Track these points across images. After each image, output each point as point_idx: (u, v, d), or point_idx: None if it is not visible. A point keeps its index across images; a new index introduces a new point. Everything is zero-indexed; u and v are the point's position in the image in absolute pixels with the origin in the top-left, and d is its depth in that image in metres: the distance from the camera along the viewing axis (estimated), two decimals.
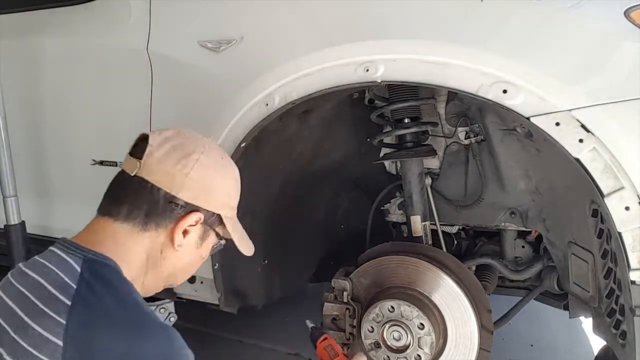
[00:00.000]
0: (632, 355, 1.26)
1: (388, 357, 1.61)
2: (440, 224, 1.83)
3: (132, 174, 1.03)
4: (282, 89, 1.48)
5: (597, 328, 1.53)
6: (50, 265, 0.97)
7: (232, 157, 1.61)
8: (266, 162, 1.78)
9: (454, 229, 1.94)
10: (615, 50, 1.18)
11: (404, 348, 1.59)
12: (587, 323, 2.59)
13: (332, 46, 1.41)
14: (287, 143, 1.79)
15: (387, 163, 1.95)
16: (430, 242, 1.74)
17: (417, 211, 1.72)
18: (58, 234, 2.08)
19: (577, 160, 1.20)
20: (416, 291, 1.61)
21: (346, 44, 1.39)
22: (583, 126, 1.18)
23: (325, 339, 1.55)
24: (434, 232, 1.80)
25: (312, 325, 1.57)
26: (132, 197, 1.03)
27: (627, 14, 1.17)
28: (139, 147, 1.06)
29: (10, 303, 0.93)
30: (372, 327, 1.62)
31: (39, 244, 2.12)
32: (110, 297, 0.93)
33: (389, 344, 1.60)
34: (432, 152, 1.72)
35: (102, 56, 1.85)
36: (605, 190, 1.19)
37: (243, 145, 1.60)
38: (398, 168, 1.90)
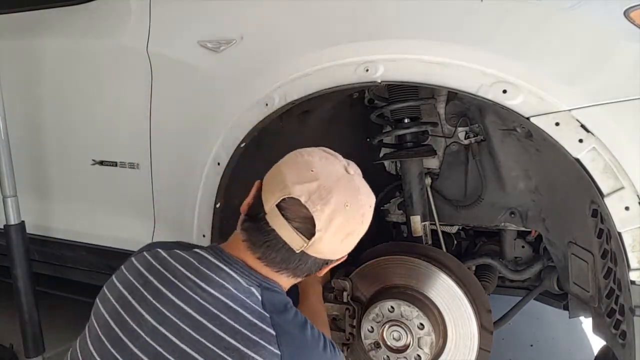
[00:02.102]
0: (632, 355, 1.26)
1: (388, 357, 1.61)
2: (440, 224, 1.83)
3: (298, 251, 1.04)
4: (281, 89, 1.48)
5: (597, 328, 1.53)
6: (229, 286, 1.04)
7: (232, 157, 1.62)
8: (266, 162, 1.77)
9: (454, 229, 1.94)
10: (615, 50, 1.18)
11: (404, 348, 1.59)
12: (587, 323, 2.58)
13: (332, 46, 1.41)
14: (287, 143, 1.79)
15: (387, 163, 1.95)
16: (430, 242, 1.74)
17: (417, 211, 1.72)
18: (58, 234, 2.10)
19: (577, 160, 1.21)
20: (416, 291, 1.61)
21: (346, 44, 1.39)
22: (583, 126, 1.18)
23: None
24: (434, 232, 1.80)
25: None
26: (298, 264, 1.07)
27: (627, 14, 1.17)
28: (296, 214, 1.03)
29: (205, 322, 1.00)
30: (372, 327, 1.62)
31: (39, 244, 2.13)
32: (295, 326, 1.06)
33: (388, 344, 1.60)
34: (432, 152, 1.72)
35: (102, 56, 1.85)
36: (605, 190, 1.19)
37: (243, 145, 1.60)
38: (398, 168, 1.90)
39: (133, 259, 1.14)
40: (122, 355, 1.00)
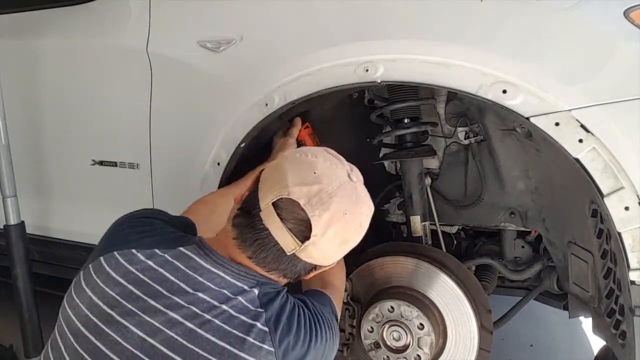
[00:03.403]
0: (631, 355, 1.26)
1: (388, 357, 1.61)
2: (440, 224, 1.83)
3: (289, 253, 1.01)
4: (281, 89, 1.48)
5: (597, 328, 1.53)
6: (220, 289, 1.01)
7: (231, 157, 1.62)
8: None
9: (454, 229, 1.94)
10: (615, 50, 1.18)
11: (404, 348, 1.59)
12: (586, 323, 2.58)
13: (332, 46, 1.41)
14: None
15: (386, 163, 1.95)
16: (430, 242, 1.74)
17: (417, 211, 1.72)
18: (58, 234, 2.10)
19: (577, 160, 1.21)
20: (416, 291, 1.61)
21: (346, 44, 1.39)
22: (583, 126, 1.19)
23: (308, 126, 1.68)
24: (434, 232, 1.80)
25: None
26: (287, 266, 1.05)
27: (626, 14, 1.17)
28: (292, 216, 1.00)
29: (197, 329, 0.97)
30: (371, 327, 1.62)
31: (39, 244, 2.13)
32: (284, 315, 1.04)
33: (388, 344, 1.60)
34: (432, 152, 1.72)
35: (102, 56, 1.85)
36: (605, 191, 1.19)
37: (243, 145, 1.60)
38: (398, 168, 1.90)
39: (102, 260, 1.05)
40: None
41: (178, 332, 0.96)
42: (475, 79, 1.26)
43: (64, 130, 2.02)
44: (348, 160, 1.12)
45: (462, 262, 1.67)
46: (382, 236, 1.99)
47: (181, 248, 1.06)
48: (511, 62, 1.24)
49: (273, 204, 1.00)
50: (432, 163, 1.83)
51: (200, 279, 1.02)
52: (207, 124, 1.64)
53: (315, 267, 1.09)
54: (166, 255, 1.04)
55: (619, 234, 1.20)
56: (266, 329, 0.99)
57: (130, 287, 1.00)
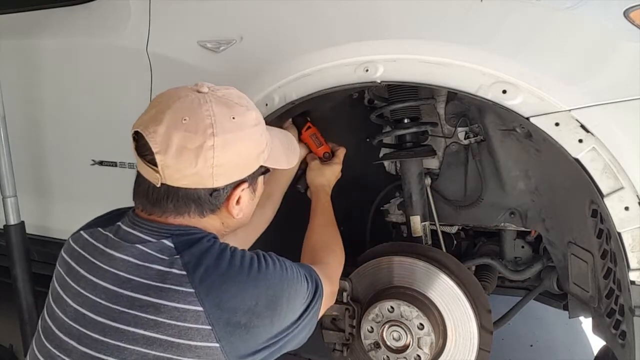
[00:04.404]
0: (631, 355, 1.26)
1: (388, 357, 1.61)
2: (440, 224, 1.83)
3: (159, 185, 1.01)
4: (281, 89, 1.48)
5: (597, 328, 1.53)
6: (138, 246, 1.02)
7: None
8: None
9: (454, 229, 1.94)
10: (615, 50, 1.18)
11: (404, 348, 1.59)
12: (586, 323, 2.59)
13: (332, 46, 1.41)
14: None
15: (386, 163, 1.95)
16: (429, 242, 1.74)
17: (417, 211, 1.72)
18: (57, 234, 2.10)
19: (577, 160, 1.20)
20: (416, 291, 1.61)
21: (345, 44, 1.39)
22: (582, 126, 1.18)
23: (310, 127, 1.64)
24: (434, 233, 1.80)
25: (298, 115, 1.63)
26: (173, 204, 1.04)
27: (626, 14, 1.17)
28: (145, 148, 1.00)
29: (119, 289, 0.99)
30: (371, 327, 1.62)
31: (39, 244, 2.13)
32: (210, 257, 1.00)
33: (388, 344, 1.60)
34: (432, 153, 1.72)
35: (102, 56, 1.85)
36: (604, 191, 1.19)
37: None
38: (397, 168, 1.90)
39: (62, 249, 1.14)
40: (52, 346, 1.02)
41: (102, 296, 1.00)
42: (475, 79, 1.26)
43: (64, 130, 2.02)
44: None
45: (462, 262, 1.67)
46: (382, 236, 2.00)
47: (118, 222, 1.10)
48: (511, 62, 1.24)
49: (134, 148, 1.03)
50: (432, 163, 1.83)
51: (122, 241, 1.04)
52: None
53: (215, 190, 1.04)
54: (100, 229, 1.09)
55: (619, 234, 1.19)
56: (184, 272, 0.97)
57: (72, 263, 1.08)
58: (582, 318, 2.04)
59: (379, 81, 1.36)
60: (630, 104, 1.15)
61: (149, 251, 1.01)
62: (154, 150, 0.98)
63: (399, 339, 1.59)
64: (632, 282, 1.20)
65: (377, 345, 1.62)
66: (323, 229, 1.51)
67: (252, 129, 1.08)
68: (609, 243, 1.33)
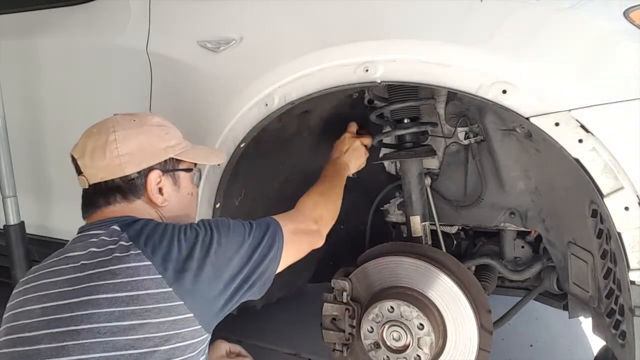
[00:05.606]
0: (631, 355, 1.26)
1: (387, 357, 1.61)
2: (440, 224, 1.83)
3: (87, 186, 1.22)
4: (281, 89, 1.48)
5: (597, 328, 1.53)
6: (97, 239, 1.14)
7: (231, 157, 1.62)
8: (265, 162, 1.78)
9: (454, 229, 1.94)
10: (615, 50, 1.18)
11: (404, 348, 1.59)
12: (586, 323, 2.58)
13: (332, 46, 1.40)
14: (286, 143, 1.79)
15: (386, 163, 1.95)
16: (429, 242, 1.74)
17: (417, 211, 1.72)
18: (57, 234, 2.10)
19: (577, 160, 1.20)
20: (416, 291, 1.61)
21: (345, 44, 1.39)
22: (582, 126, 1.18)
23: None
24: (434, 233, 1.80)
25: None
26: (102, 197, 1.22)
27: (626, 14, 1.16)
28: (75, 163, 1.24)
29: (81, 274, 1.10)
30: (371, 327, 1.62)
31: (38, 244, 2.13)
32: (149, 227, 1.15)
33: (388, 344, 1.60)
34: (432, 153, 1.72)
35: (102, 56, 1.85)
36: (604, 191, 1.19)
37: (243, 145, 1.60)
38: (397, 168, 1.90)
39: (12, 294, 1.21)
40: (23, 347, 1.05)
41: (64, 285, 1.09)
42: (475, 79, 1.26)
43: (64, 130, 2.01)
44: None
45: (462, 262, 1.67)
46: (382, 236, 2.00)
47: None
48: (511, 62, 1.24)
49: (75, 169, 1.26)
50: (432, 163, 1.83)
51: (75, 244, 1.18)
52: (206, 124, 1.64)
53: (129, 177, 1.21)
54: (45, 260, 1.23)
55: (619, 234, 1.19)
56: (130, 242, 1.10)
57: (27, 285, 1.16)
58: (582, 318, 2.04)
59: (379, 81, 1.36)
60: (631, 104, 1.15)
61: (102, 238, 1.14)
62: (76, 157, 1.23)
63: (399, 339, 1.59)
64: (632, 282, 1.20)
65: (377, 345, 1.62)
66: (319, 183, 1.59)
67: (153, 126, 1.27)
68: (609, 243, 1.33)
